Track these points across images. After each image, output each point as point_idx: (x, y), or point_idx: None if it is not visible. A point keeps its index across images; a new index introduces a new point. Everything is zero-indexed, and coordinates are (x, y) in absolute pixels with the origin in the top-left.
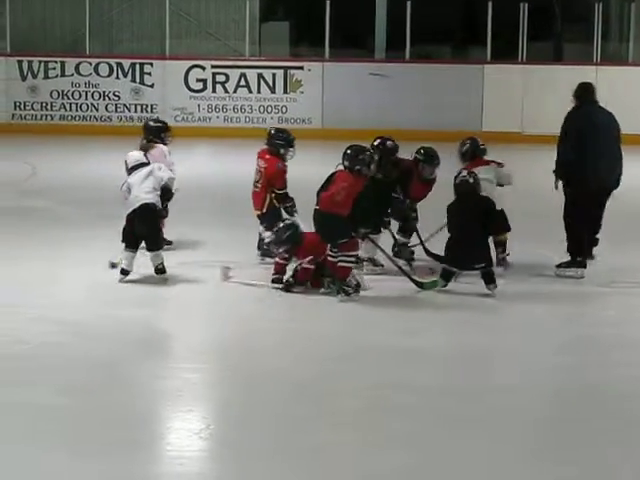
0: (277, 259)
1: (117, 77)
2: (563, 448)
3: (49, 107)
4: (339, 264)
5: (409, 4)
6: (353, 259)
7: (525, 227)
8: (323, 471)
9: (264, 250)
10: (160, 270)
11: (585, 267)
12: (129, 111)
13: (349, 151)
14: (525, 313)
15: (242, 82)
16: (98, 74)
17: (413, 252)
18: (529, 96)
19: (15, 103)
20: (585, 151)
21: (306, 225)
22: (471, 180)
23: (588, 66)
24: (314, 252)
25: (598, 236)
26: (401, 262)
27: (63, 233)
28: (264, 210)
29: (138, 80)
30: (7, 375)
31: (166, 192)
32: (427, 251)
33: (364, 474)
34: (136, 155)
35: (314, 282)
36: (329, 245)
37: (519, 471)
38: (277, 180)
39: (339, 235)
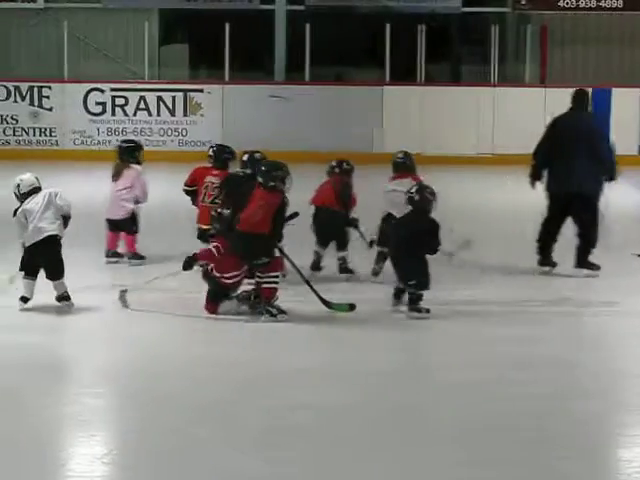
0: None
1: (15, 100)
2: (469, 465)
3: None
4: (263, 285)
5: (308, 26)
6: (277, 279)
7: None
8: None
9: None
10: (65, 298)
11: (543, 266)
12: (27, 135)
13: (263, 168)
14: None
15: (142, 105)
16: None
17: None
18: (428, 117)
19: None
20: (549, 153)
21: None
22: (417, 197)
23: (485, 87)
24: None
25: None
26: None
27: None
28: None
29: (36, 103)
30: None
31: (66, 220)
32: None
33: None
34: (29, 179)
35: (209, 306)
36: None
37: None
38: None
39: (259, 255)
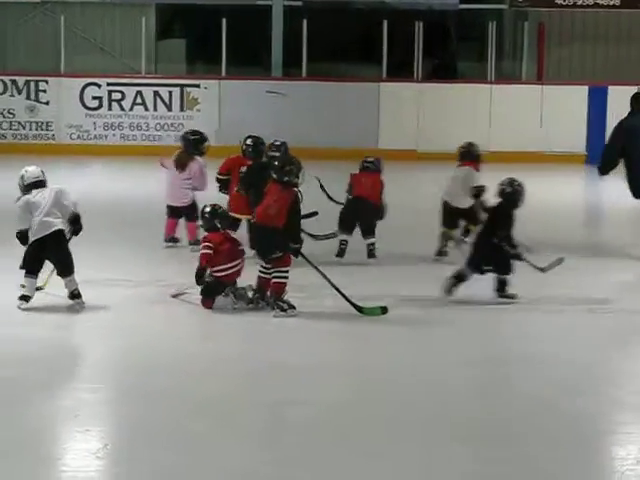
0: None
1: (11, 94)
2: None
3: None
4: (273, 280)
5: (305, 22)
6: (287, 274)
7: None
8: None
9: None
10: (76, 295)
11: None
12: (24, 128)
13: (276, 163)
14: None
15: (138, 100)
16: None
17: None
18: (424, 114)
19: None
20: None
21: None
22: (508, 189)
23: (483, 84)
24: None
25: None
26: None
27: None
28: None
29: (33, 97)
30: None
31: (77, 219)
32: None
33: None
34: (34, 171)
35: (204, 302)
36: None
37: None
38: None
39: (274, 249)
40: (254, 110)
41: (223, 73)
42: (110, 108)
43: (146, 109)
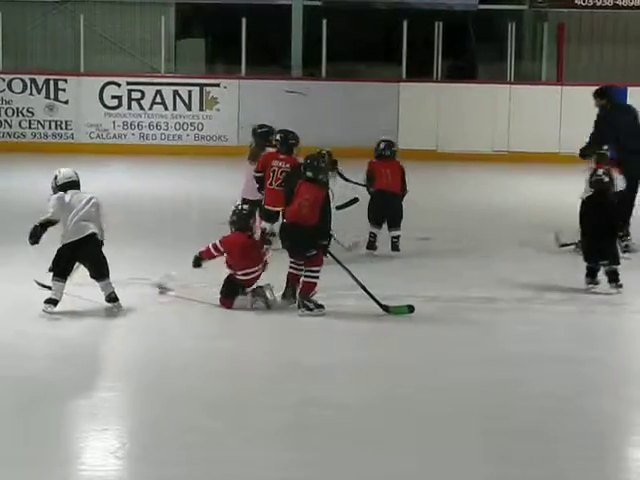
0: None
1: (31, 93)
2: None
3: None
4: (304, 279)
5: (325, 22)
6: (318, 274)
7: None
8: None
9: None
10: (113, 299)
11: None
12: (43, 128)
13: (309, 161)
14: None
15: (158, 99)
16: (11, 90)
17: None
18: (443, 114)
19: None
20: None
21: None
22: (606, 179)
23: (502, 85)
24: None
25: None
26: None
27: None
28: None
29: (52, 96)
30: None
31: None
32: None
33: None
34: (68, 172)
35: (224, 301)
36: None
37: None
38: None
39: (308, 247)
40: (273, 110)
41: (243, 73)
42: (129, 107)
43: (165, 108)
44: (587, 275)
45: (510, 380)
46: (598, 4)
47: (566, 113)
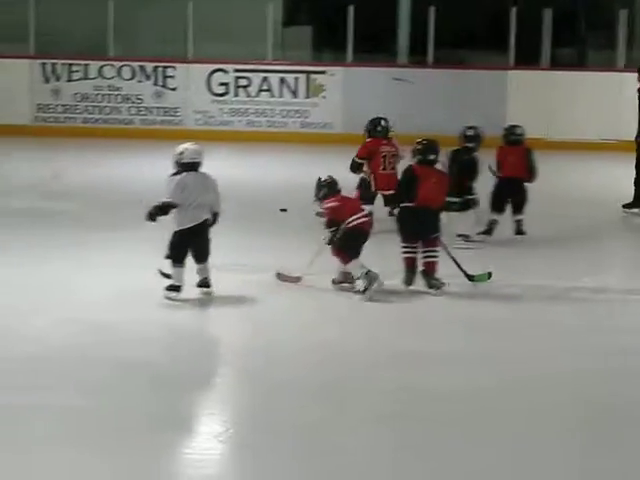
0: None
1: (140, 80)
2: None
3: (72, 110)
4: (429, 259)
5: (432, 9)
6: (439, 254)
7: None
8: (341, 474)
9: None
10: (205, 284)
11: None
12: (151, 114)
13: (435, 146)
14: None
15: (264, 86)
16: (121, 77)
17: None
18: (553, 102)
19: (38, 105)
20: None
21: None
22: None
23: (612, 72)
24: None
25: None
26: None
27: (85, 235)
28: None
29: (161, 83)
30: (28, 377)
31: (215, 216)
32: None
33: (381, 477)
34: (195, 151)
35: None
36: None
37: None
38: None
39: (436, 229)
40: (379, 97)
41: (349, 60)
42: (236, 94)
43: (272, 95)
44: None
45: (623, 369)
46: None
47: None
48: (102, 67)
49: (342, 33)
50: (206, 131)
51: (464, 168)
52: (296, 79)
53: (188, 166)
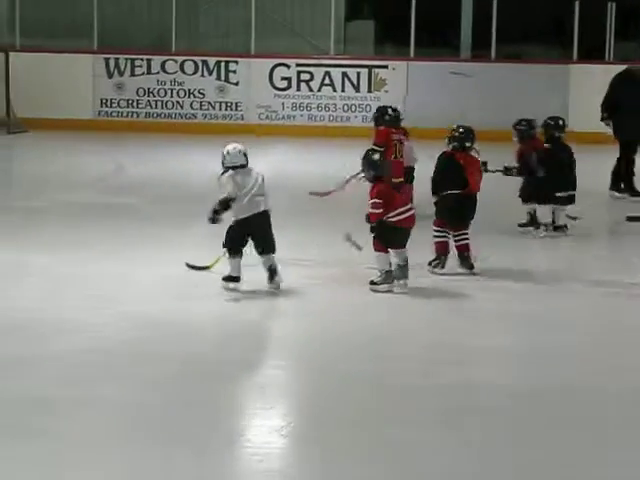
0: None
1: (202, 75)
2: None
3: (135, 104)
4: (463, 242)
5: (495, 3)
6: (468, 235)
7: None
8: (403, 468)
9: None
10: (274, 270)
11: None
12: (214, 109)
13: (472, 133)
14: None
15: (326, 81)
16: (183, 72)
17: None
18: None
19: (101, 100)
20: None
21: None
22: None
23: None
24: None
25: None
26: None
27: (147, 230)
28: None
29: (223, 78)
30: (90, 371)
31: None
32: None
33: (443, 472)
34: (238, 155)
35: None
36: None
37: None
38: None
39: (473, 215)
40: (441, 91)
41: (411, 54)
42: (299, 89)
43: (334, 90)
44: None
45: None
46: None
47: None
48: (165, 62)
49: (405, 27)
50: (268, 125)
51: (565, 160)
52: (358, 74)
53: (234, 167)
